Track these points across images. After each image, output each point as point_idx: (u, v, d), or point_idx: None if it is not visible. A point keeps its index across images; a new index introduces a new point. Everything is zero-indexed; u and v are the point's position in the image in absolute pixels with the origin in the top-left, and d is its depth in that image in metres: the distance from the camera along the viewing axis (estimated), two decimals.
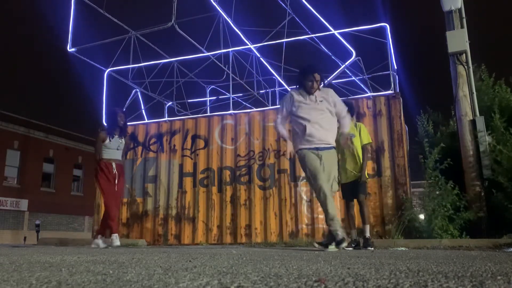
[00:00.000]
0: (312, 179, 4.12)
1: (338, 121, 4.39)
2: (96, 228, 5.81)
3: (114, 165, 5.70)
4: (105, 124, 8.79)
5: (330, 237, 4.07)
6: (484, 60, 7.57)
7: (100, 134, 5.76)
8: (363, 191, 4.92)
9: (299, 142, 4.23)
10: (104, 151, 5.68)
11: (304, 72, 4.29)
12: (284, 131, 4.47)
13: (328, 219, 4.03)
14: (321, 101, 4.24)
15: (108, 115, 6.00)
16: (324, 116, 4.21)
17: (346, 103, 5.20)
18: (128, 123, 8.61)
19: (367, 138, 4.98)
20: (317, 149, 4.15)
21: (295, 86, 4.53)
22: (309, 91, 4.25)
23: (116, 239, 5.43)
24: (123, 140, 5.86)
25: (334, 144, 4.29)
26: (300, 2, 8.95)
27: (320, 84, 4.28)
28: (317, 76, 4.21)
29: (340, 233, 3.93)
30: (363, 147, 4.93)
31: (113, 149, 5.72)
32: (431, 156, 6.31)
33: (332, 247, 3.90)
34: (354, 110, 5.29)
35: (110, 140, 5.70)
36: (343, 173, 4.97)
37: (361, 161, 4.89)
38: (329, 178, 4.14)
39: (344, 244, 3.93)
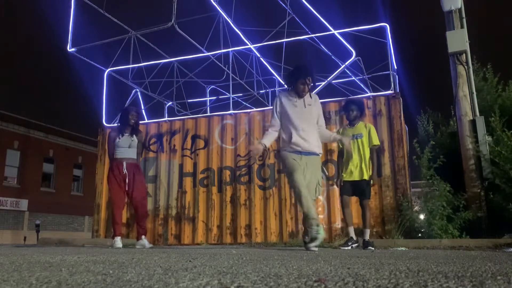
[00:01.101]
0: (289, 176, 4.06)
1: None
2: (139, 232, 5.66)
3: (124, 165, 5.51)
4: (105, 124, 8.82)
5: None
6: (490, 59, 7.59)
7: (109, 133, 5.67)
8: (368, 195, 4.89)
9: (285, 145, 4.17)
10: (115, 150, 5.56)
11: (298, 73, 4.13)
12: (268, 138, 4.23)
13: (304, 217, 3.93)
14: (309, 104, 4.17)
15: (120, 113, 5.93)
16: (310, 123, 4.16)
17: (356, 101, 5.21)
18: None
19: (376, 139, 4.93)
20: (300, 153, 4.08)
21: (285, 87, 4.42)
22: (300, 94, 4.14)
23: (118, 242, 5.42)
24: (135, 137, 5.66)
25: (319, 152, 4.19)
26: (300, 2, 8.95)
27: (311, 88, 4.20)
28: (309, 79, 4.10)
29: (315, 230, 3.74)
30: (372, 149, 4.88)
31: (124, 147, 5.55)
32: (423, 155, 6.31)
33: (312, 245, 3.73)
34: (364, 110, 5.27)
35: (119, 139, 5.57)
36: (346, 170, 4.94)
37: (371, 163, 4.84)
38: (310, 183, 4.01)
39: (317, 242, 3.73)
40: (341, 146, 5.11)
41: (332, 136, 4.47)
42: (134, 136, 5.68)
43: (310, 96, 4.22)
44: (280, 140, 4.29)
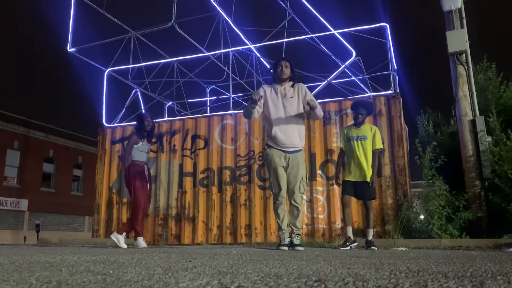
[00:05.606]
0: (273, 185, 4.35)
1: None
2: (121, 227, 5.80)
3: (146, 168, 5.78)
4: (105, 124, 8.82)
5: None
6: (492, 59, 7.58)
7: (134, 136, 5.79)
8: (373, 196, 4.94)
9: (268, 138, 4.36)
10: (137, 153, 5.71)
11: (274, 64, 4.44)
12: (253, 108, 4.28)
13: (279, 227, 4.28)
14: (291, 97, 4.30)
15: (136, 119, 6.08)
16: (292, 117, 4.26)
17: (366, 103, 5.27)
18: (128, 124, 8.66)
19: (379, 143, 4.95)
20: (283, 151, 4.26)
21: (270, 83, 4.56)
22: (280, 78, 4.35)
23: (142, 242, 5.51)
24: (149, 144, 5.95)
25: (301, 147, 4.34)
26: (300, 2, 8.95)
27: (291, 73, 4.37)
28: (285, 63, 4.36)
29: (282, 238, 4.20)
30: (374, 152, 4.90)
31: (144, 152, 5.77)
32: (425, 155, 6.32)
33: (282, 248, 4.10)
34: (372, 110, 5.44)
35: (142, 143, 5.74)
36: (348, 170, 4.96)
37: (372, 165, 4.85)
38: (292, 183, 4.23)
39: (284, 248, 4.11)
40: (342, 147, 5.14)
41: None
42: (149, 143, 5.96)
43: (293, 88, 4.35)
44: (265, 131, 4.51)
